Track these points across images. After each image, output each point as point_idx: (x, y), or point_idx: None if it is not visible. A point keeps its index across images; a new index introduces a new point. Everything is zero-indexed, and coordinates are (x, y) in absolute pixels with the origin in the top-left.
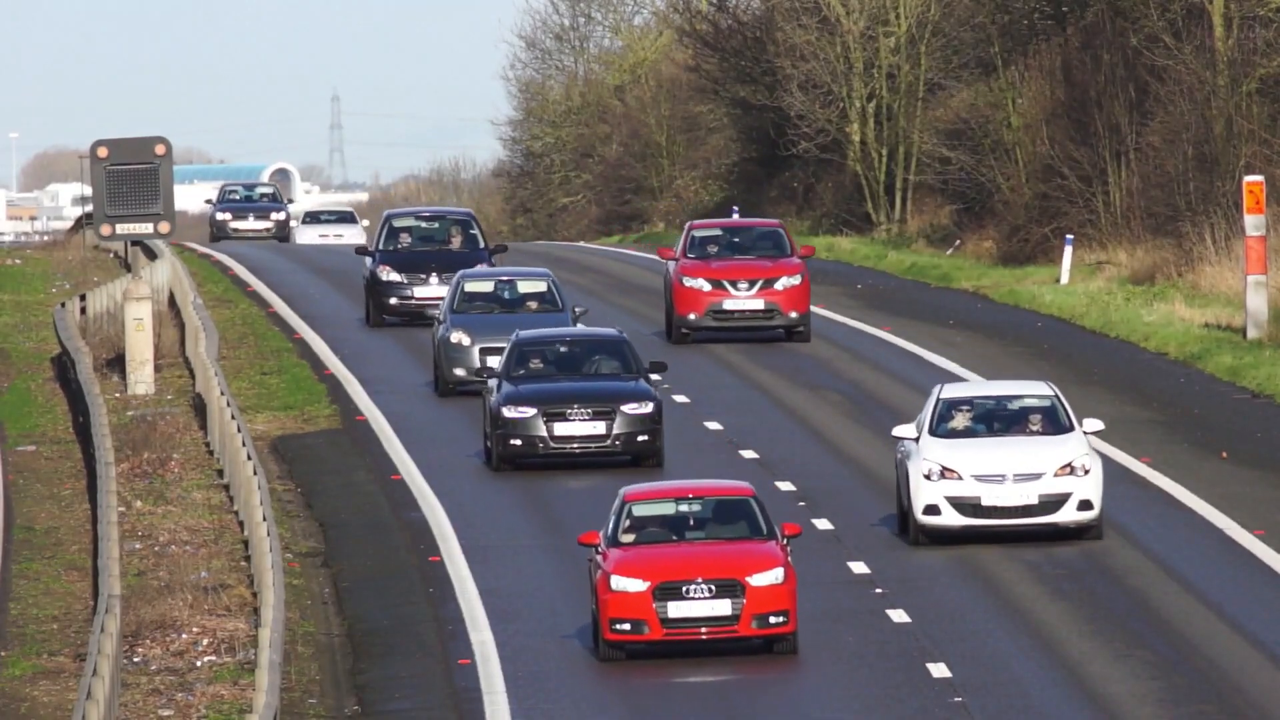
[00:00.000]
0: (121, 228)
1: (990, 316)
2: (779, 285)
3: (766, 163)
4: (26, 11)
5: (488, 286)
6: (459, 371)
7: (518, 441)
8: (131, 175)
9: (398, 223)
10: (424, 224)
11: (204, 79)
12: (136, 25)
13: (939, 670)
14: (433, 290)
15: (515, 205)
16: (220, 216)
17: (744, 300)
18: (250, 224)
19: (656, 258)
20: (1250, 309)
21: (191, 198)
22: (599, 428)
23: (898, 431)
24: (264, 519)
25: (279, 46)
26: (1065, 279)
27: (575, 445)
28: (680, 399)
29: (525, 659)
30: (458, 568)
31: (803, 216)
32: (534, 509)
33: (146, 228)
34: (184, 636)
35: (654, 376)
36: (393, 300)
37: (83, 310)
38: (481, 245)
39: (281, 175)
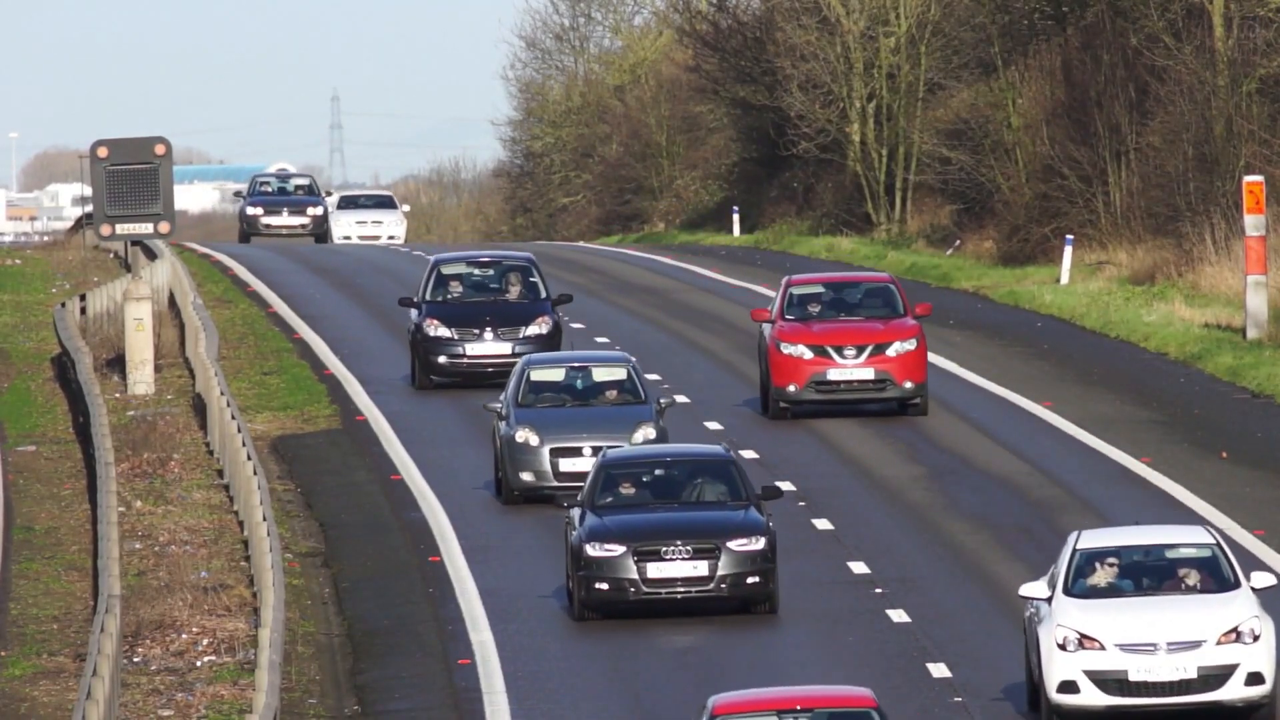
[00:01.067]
0: (121, 228)
1: (990, 316)
2: (891, 351)
3: (766, 163)
4: (26, 11)
5: (558, 375)
6: (526, 477)
7: (604, 585)
8: (131, 175)
9: (447, 269)
10: (477, 271)
11: (204, 79)
12: (136, 25)
13: (939, 670)
14: (488, 347)
15: (515, 205)
16: (251, 212)
17: (851, 369)
18: (284, 220)
19: (657, 257)
20: (1250, 309)
21: (192, 198)
22: (701, 568)
23: (1025, 591)
24: (264, 519)
25: (279, 46)
26: (1065, 279)
27: (672, 590)
28: (680, 399)
29: (525, 659)
30: (458, 568)
31: (803, 216)
32: (534, 509)
33: (146, 228)
34: (184, 636)
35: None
36: (442, 359)
37: (83, 310)
38: (544, 295)
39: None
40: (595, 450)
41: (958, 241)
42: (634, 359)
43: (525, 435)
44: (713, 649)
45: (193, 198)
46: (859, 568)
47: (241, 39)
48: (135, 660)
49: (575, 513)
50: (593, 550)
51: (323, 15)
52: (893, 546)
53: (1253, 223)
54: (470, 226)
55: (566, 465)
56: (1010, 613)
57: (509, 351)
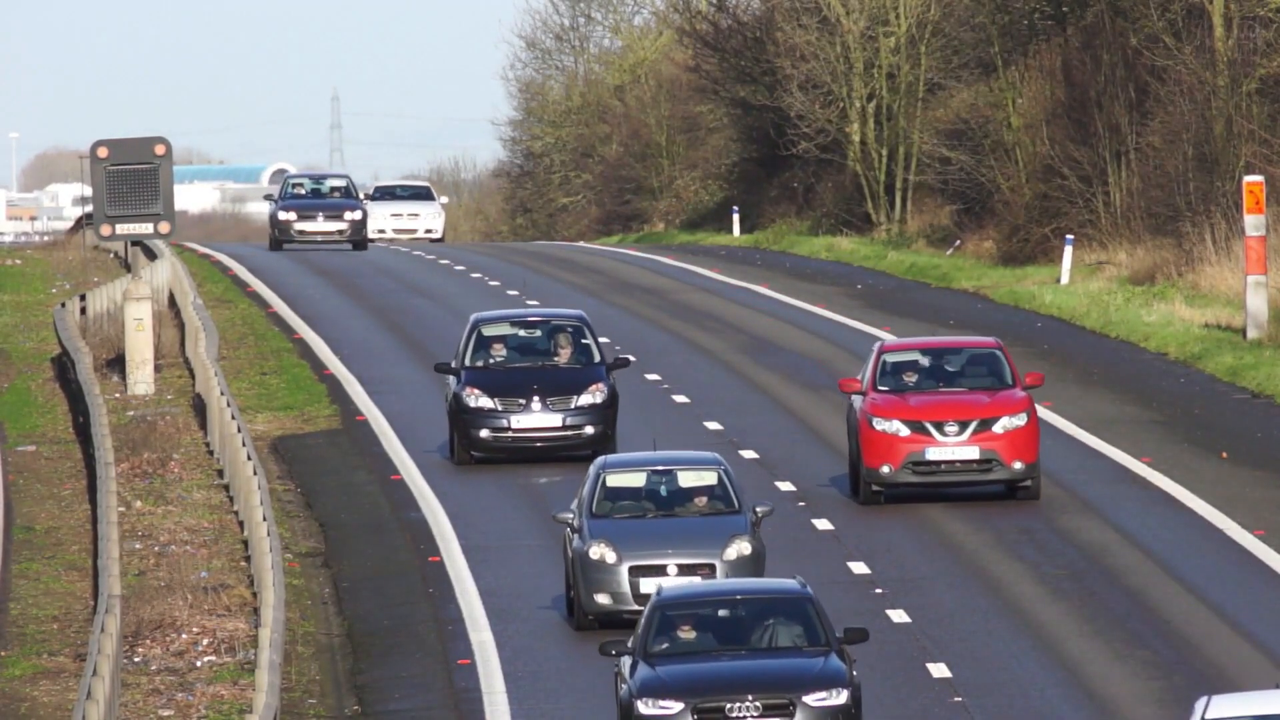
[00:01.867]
0: (121, 228)
1: (990, 316)
2: (998, 427)
3: (766, 163)
4: (26, 11)
5: (638, 480)
6: (602, 599)
7: None
8: (131, 175)
9: (488, 329)
10: (522, 331)
11: (204, 79)
12: (136, 25)
13: (939, 670)
14: (536, 419)
15: (515, 205)
16: (283, 217)
17: (953, 448)
18: (319, 225)
19: (657, 257)
20: (1250, 309)
21: (192, 198)
22: None
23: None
24: (264, 519)
25: (279, 46)
26: (1065, 279)
27: None
28: (680, 399)
29: (525, 659)
30: (458, 568)
31: (803, 216)
32: (534, 509)
33: (146, 228)
34: (184, 636)
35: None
36: (484, 432)
37: (83, 310)
38: (598, 359)
39: (281, 175)
40: (681, 569)
41: (958, 241)
42: (725, 462)
43: (601, 551)
44: None
45: (193, 198)
46: (859, 568)
47: (241, 39)
48: (135, 660)
49: (625, 662)
50: (645, 708)
51: (323, 15)
52: (893, 546)
53: (1253, 223)
54: (470, 226)
55: (648, 586)
56: (1011, 613)
57: (559, 424)
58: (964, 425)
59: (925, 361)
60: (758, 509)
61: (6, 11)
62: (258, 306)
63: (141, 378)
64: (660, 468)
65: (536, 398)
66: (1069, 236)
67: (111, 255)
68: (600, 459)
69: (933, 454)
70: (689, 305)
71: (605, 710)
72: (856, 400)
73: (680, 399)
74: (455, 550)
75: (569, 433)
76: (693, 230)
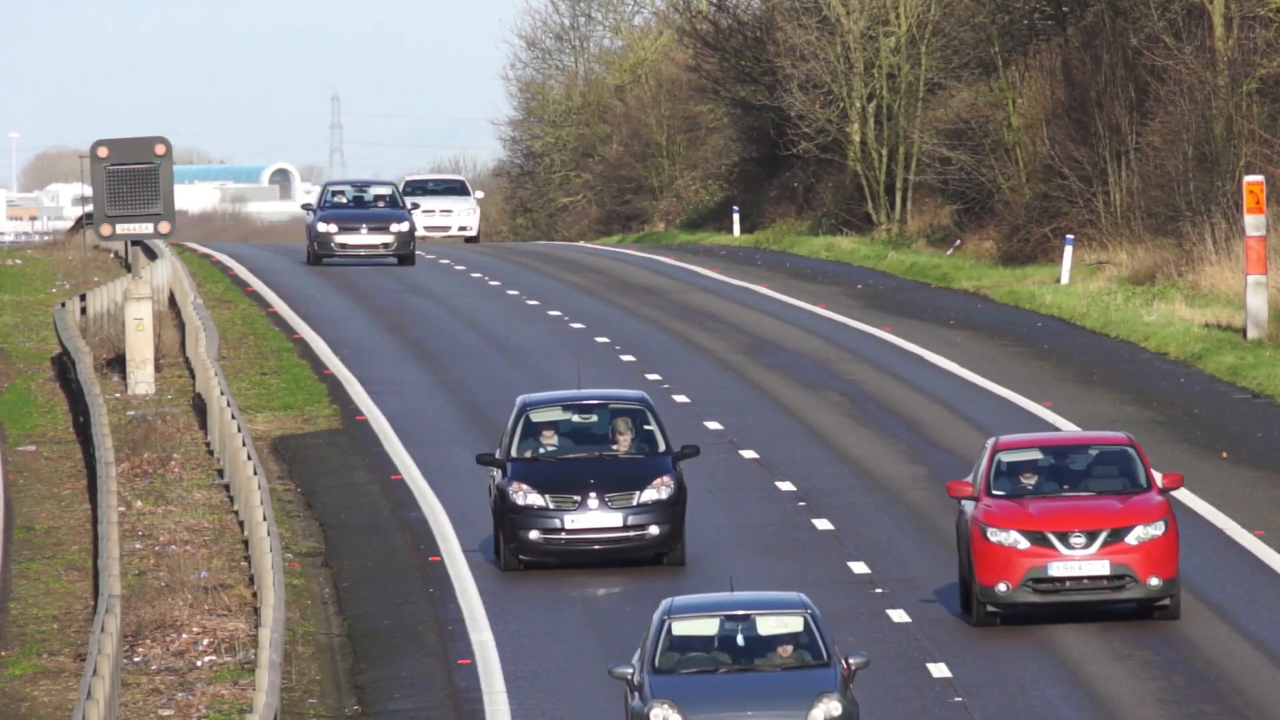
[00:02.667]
0: (121, 228)
1: (990, 316)
2: (1132, 538)
3: (766, 163)
4: (26, 11)
5: (710, 627)
6: None
7: None
8: (131, 175)
9: (538, 415)
10: (576, 417)
11: (204, 79)
12: (136, 25)
13: (939, 670)
14: (592, 518)
15: (515, 205)
16: (323, 229)
17: (1080, 562)
18: (364, 238)
19: (657, 257)
20: (1250, 309)
21: (192, 198)
22: None
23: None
24: (264, 519)
25: (279, 46)
26: (1065, 279)
27: None
28: (680, 399)
29: (525, 659)
30: (458, 568)
31: (803, 216)
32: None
33: (146, 228)
34: (184, 636)
35: None
36: (533, 534)
37: (83, 310)
38: (662, 447)
39: (281, 175)
40: None
41: (958, 241)
42: (812, 605)
43: (665, 715)
44: None
45: (193, 198)
46: (859, 568)
47: (241, 39)
48: (135, 660)
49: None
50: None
51: (323, 15)
52: (893, 546)
53: (1253, 223)
54: None
55: None
56: (1010, 613)
57: (620, 524)
58: (1092, 536)
59: (1046, 461)
60: (850, 660)
61: (6, 11)
62: (258, 306)
63: (141, 378)
64: (737, 612)
65: (593, 493)
66: (1069, 236)
67: (111, 255)
68: (666, 602)
69: (1057, 569)
70: (689, 305)
71: (605, 710)
72: (967, 506)
73: (680, 399)
74: (455, 550)
75: (631, 533)
76: (693, 230)
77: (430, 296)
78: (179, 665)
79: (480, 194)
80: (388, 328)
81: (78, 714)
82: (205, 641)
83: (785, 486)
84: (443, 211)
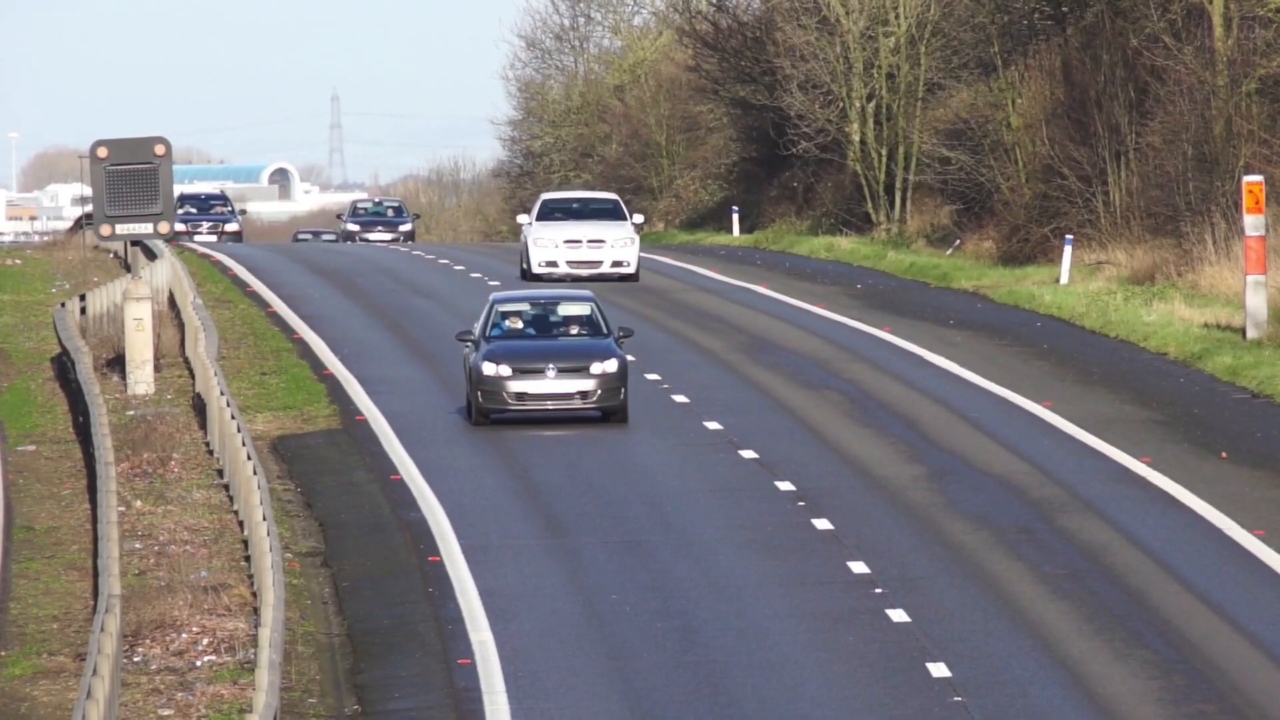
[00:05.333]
0: (121, 228)
1: (990, 316)
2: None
3: (766, 163)
4: (26, 11)
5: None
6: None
7: None
8: (131, 175)
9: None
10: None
11: (204, 79)
12: (136, 25)
13: (939, 670)
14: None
15: (515, 205)
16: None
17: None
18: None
19: (657, 257)
20: (1250, 309)
21: None
22: None
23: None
24: (264, 519)
25: (279, 46)
26: (1065, 279)
27: None
28: (680, 399)
29: (525, 659)
30: (458, 568)
31: (802, 216)
32: (534, 509)
33: (146, 228)
34: (184, 636)
35: None
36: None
37: (83, 310)
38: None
39: (281, 175)
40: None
41: (958, 241)
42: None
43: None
44: (714, 650)
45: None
46: (859, 568)
47: (241, 39)
48: (135, 660)
49: (470, 348)
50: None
51: (323, 15)
52: (893, 546)
53: (1252, 223)
54: (469, 226)
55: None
56: (1011, 612)
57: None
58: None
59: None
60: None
61: (6, 11)
62: (258, 306)
63: (141, 377)
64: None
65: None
66: (1068, 236)
67: (111, 255)
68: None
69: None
70: (689, 305)
71: (605, 710)
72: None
73: (680, 399)
74: (455, 550)
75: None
76: (693, 230)
77: (430, 296)
78: (179, 665)
79: (640, 219)
80: (388, 328)
81: (77, 714)
82: (205, 641)
83: (785, 486)
84: (592, 243)
